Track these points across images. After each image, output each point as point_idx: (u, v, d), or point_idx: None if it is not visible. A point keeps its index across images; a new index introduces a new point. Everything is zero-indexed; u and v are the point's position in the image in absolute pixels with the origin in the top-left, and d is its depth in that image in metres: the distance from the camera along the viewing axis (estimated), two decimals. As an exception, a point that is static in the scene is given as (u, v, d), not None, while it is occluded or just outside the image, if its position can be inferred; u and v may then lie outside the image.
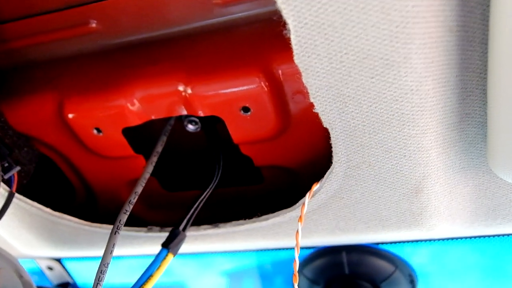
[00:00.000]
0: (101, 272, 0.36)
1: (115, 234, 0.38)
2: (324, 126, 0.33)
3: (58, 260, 0.73)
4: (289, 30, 0.28)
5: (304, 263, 0.64)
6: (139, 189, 0.41)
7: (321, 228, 0.44)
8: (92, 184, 0.54)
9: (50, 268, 0.74)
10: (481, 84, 0.33)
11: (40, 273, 0.76)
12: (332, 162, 0.37)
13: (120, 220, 0.39)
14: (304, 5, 0.27)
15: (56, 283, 0.76)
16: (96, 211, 0.56)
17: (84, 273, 0.76)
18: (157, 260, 0.43)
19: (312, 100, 0.32)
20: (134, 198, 0.40)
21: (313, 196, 0.40)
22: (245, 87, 0.40)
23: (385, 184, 0.37)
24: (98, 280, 0.36)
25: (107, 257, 0.37)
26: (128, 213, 0.40)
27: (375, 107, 0.31)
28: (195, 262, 0.72)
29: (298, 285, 0.67)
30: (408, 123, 0.32)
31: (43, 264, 0.74)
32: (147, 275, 0.42)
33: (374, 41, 0.28)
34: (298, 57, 0.29)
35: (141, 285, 0.41)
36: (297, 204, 0.42)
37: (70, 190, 0.56)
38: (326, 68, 0.30)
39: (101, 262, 0.37)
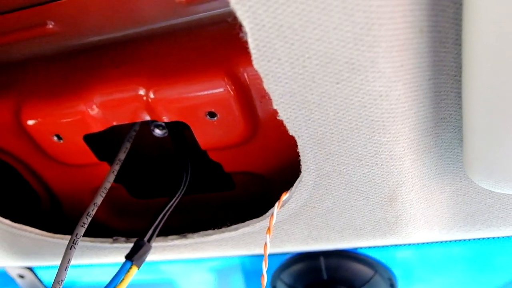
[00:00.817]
0: None
1: (70, 249, 0.35)
2: (290, 134, 0.31)
3: (29, 268, 0.71)
4: (245, 33, 0.26)
5: (282, 268, 0.62)
6: (99, 200, 0.39)
7: (293, 238, 0.42)
8: (56, 192, 0.51)
9: (21, 276, 0.72)
10: (456, 87, 0.32)
11: (11, 281, 0.73)
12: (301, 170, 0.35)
13: (77, 234, 0.36)
14: (260, 5, 0.24)
15: (27, 292, 0.74)
16: (62, 219, 0.53)
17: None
18: (121, 273, 0.40)
19: (275, 107, 0.30)
20: (92, 210, 0.38)
21: (282, 206, 0.38)
22: (210, 91, 0.37)
23: (357, 193, 0.36)
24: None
25: (62, 274, 0.34)
26: (86, 225, 0.37)
27: (343, 114, 0.29)
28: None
29: (276, 291, 0.66)
30: (378, 130, 0.30)
31: (13, 272, 0.71)
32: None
33: (338, 44, 0.26)
34: (257, 61, 0.27)
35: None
36: (267, 213, 0.40)
37: (34, 198, 0.53)
38: (288, 74, 0.27)
39: (54, 279, 0.34)
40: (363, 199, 0.36)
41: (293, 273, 0.62)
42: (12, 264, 0.53)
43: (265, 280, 0.34)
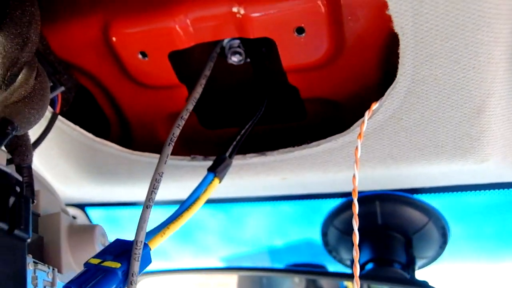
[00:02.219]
0: (156, 181, 0.36)
1: (168, 145, 0.37)
2: (395, 30, 0.32)
3: (82, 209, 0.72)
4: None
5: (335, 213, 0.64)
6: (190, 107, 0.40)
7: (372, 156, 0.43)
8: (129, 117, 0.53)
9: (74, 217, 0.73)
10: None
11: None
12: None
13: (174, 133, 0.38)
14: None
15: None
16: (131, 148, 0.55)
17: (107, 222, 0.75)
18: (204, 184, 0.42)
19: None
20: (186, 115, 0.39)
21: (371, 116, 0.39)
22: (302, 5, 0.39)
23: (447, 103, 0.37)
24: (153, 188, 0.35)
25: (161, 167, 0.36)
26: (180, 127, 0.39)
27: (452, 8, 0.30)
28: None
29: (328, 237, 0.67)
30: (483, 27, 0.31)
31: (66, 213, 0.73)
32: (192, 199, 0.41)
33: None
34: None
35: (187, 208, 0.40)
36: (351, 128, 0.41)
37: (104, 126, 0.55)
38: None
39: (155, 171, 0.36)
40: (452, 109, 0.37)
41: (346, 218, 0.63)
42: (82, 189, 0.55)
43: (356, 181, 0.35)
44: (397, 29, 0.32)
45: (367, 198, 0.60)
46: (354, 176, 0.36)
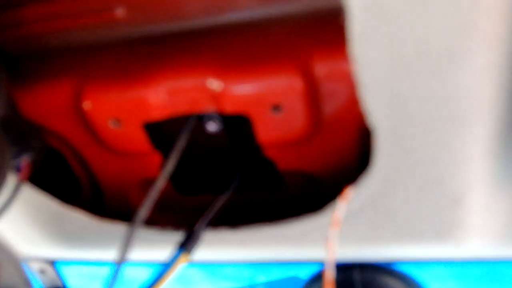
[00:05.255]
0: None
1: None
2: (369, 126, 0.32)
3: (52, 264, 0.70)
4: (344, 16, 0.26)
5: (313, 280, 0.62)
6: (161, 183, 0.39)
7: (347, 237, 0.41)
8: (101, 182, 0.51)
9: (43, 272, 0.71)
10: None
11: (32, 277, 0.72)
12: (363, 167, 0.35)
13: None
14: None
15: (47, 287, 0.72)
16: (102, 211, 0.53)
17: (76, 278, 0.72)
18: (171, 260, 0.40)
19: (361, 96, 0.30)
20: (155, 193, 0.38)
21: (345, 201, 0.37)
22: (279, 85, 0.38)
23: (424, 194, 0.35)
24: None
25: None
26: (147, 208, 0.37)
27: (428, 108, 0.30)
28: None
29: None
30: (462, 128, 0.30)
31: (35, 267, 0.70)
32: (157, 277, 0.39)
33: (439, 31, 0.26)
34: (355, 45, 0.27)
35: (152, 285, 0.38)
36: (324, 210, 0.39)
37: (76, 188, 0.53)
38: (383, 59, 0.28)
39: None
40: (429, 201, 0.36)
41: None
42: (50, 251, 0.52)
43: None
44: (371, 124, 0.31)
45: (346, 267, 0.58)
46: (325, 270, 0.34)
